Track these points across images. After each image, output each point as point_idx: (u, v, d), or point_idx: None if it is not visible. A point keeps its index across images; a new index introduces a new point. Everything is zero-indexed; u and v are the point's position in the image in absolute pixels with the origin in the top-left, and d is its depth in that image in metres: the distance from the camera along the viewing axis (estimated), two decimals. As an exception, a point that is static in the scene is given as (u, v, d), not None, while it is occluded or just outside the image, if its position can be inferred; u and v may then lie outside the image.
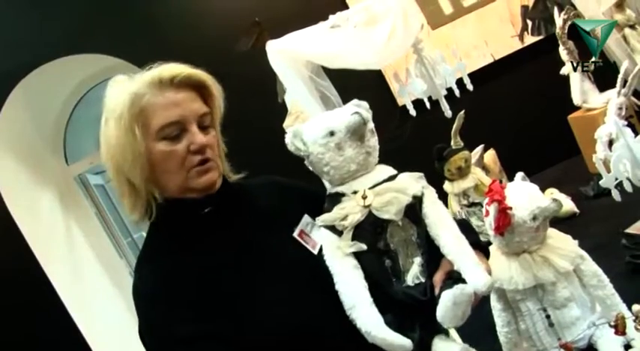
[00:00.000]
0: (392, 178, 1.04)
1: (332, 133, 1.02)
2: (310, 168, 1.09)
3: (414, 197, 1.00)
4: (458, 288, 0.90)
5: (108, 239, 4.06)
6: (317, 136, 1.04)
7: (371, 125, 1.06)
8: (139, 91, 0.97)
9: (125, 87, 0.99)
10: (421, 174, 1.06)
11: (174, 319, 0.90)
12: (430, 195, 1.03)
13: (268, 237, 1.02)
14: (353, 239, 1.00)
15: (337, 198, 1.04)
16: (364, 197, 1.00)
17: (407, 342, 0.93)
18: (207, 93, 1.04)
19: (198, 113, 1.00)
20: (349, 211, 1.01)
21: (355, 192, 1.02)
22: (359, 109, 1.05)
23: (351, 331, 0.94)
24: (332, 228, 1.02)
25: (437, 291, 0.94)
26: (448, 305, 0.90)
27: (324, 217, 1.03)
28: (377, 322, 0.94)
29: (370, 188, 1.02)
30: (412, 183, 1.02)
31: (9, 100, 3.28)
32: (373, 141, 1.06)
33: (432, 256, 0.99)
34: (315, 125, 1.06)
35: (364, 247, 0.99)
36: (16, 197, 3.36)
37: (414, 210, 1.00)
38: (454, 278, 0.93)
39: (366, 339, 0.94)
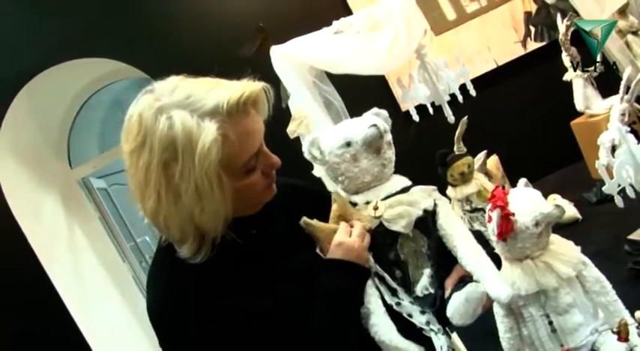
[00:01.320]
0: (405, 190, 1.04)
1: (349, 144, 1.02)
2: (325, 174, 1.10)
3: (425, 211, 1.00)
4: (472, 285, 0.92)
5: (111, 243, 4.06)
6: (334, 145, 1.04)
7: (388, 137, 1.06)
8: (223, 131, 0.83)
9: (197, 125, 0.83)
10: (434, 187, 1.06)
11: (212, 332, 0.88)
12: (444, 207, 1.04)
13: (290, 246, 1.01)
14: None
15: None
16: (375, 208, 1.01)
17: (419, 349, 0.94)
18: (258, 103, 0.94)
19: (262, 130, 0.93)
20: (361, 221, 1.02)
21: (368, 202, 1.03)
22: (377, 120, 1.05)
23: (365, 339, 0.95)
24: None
25: (447, 293, 0.94)
26: (460, 301, 0.92)
27: None
28: (390, 330, 0.95)
29: (383, 199, 1.02)
30: (424, 197, 1.03)
31: (13, 104, 3.30)
32: (390, 153, 1.06)
33: (445, 267, 0.99)
34: (332, 134, 1.07)
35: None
36: (20, 200, 3.37)
37: (425, 222, 1.01)
38: (466, 282, 0.94)
39: (380, 347, 0.94)
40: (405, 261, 0.99)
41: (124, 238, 4.17)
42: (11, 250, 3.24)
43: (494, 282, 0.94)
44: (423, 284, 0.98)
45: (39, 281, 3.25)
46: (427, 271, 0.98)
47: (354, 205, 1.04)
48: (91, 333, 3.36)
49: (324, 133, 1.09)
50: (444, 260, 1.00)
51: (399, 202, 1.01)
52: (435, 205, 1.02)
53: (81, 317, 3.34)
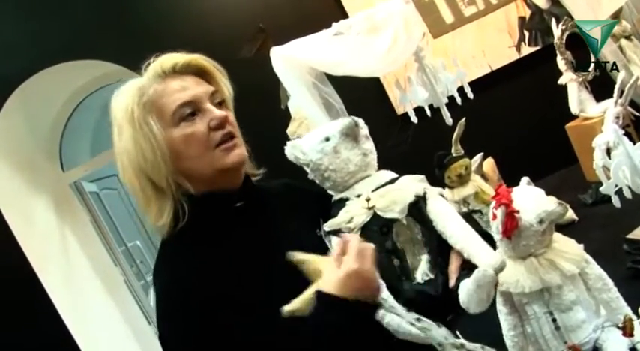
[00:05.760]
0: (393, 180, 1.07)
1: (327, 139, 1.07)
2: (312, 177, 1.12)
3: (417, 196, 1.02)
4: (480, 270, 0.92)
5: (102, 247, 4.04)
6: (313, 143, 1.09)
7: (365, 131, 1.11)
8: (143, 85, 1.00)
9: (129, 88, 1.01)
10: (422, 176, 1.09)
11: (214, 312, 0.88)
12: (433, 193, 1.06)
13: (293, 235, 1.03)
14: None
15: (342, 203, 1.07)
16: (368, 200, 1.03)
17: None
18: (210, 78, 1.04)
19: (208, 92, 1.01)
20: (354, 214, 1.03)
21: (359, 196, 1.05)
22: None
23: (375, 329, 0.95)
24: (339, 232, 1.04)
25: (452, 282, 0.95)
26: (471, 289, 0.92)
27: (331, 223, 1.05)
28: (401, 320, 0.96)
29: (373, 191, 1.04)
30: (414, 183, 1.06)
31: (6, 107, 3.27)
32: (368, 145, 1.10)
33: (444, 255, 1.00)
34: (311, 136, 1.12)
35: (372, 246, 1.00)
36: (11, 203, 3.34)
37: (417, 209, 1.03)
38: (468, 268, 0.94)
39: (393, 336, 0.95)
40: (402, 249, 1.01)
41: (115, 242, 4.14)
42: (2, 253, 3.21)
43: (483, 253, 0.96)
44: (423, 270, 1.00)
45: (30, 284, 3.22)
46: (425, 257, 1.00)
47: (346, 200, 1.06)
48: (83, 336, 3.32)
49: (303, 139, 1.15)
50: (443, 248, 1.01)
51: (390, 190, 1.04)
52: (425, 192, 1.04)
53: (72, 321, 3.30)
